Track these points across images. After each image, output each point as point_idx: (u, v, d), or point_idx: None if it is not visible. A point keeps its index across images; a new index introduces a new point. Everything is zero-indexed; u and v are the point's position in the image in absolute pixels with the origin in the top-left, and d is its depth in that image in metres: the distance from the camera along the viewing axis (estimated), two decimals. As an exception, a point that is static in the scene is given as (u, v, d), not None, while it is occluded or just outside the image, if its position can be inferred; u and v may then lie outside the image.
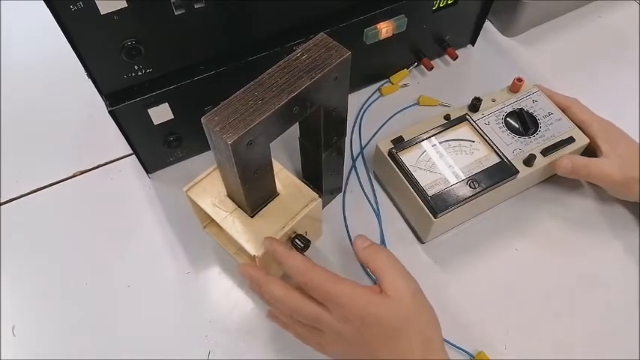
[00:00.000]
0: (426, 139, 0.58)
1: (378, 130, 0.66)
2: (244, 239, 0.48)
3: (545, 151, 0.57)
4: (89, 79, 0.49)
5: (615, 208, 0.60)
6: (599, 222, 0.59)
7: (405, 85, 0.71)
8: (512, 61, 0.74)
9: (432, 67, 0.70)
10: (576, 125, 0.59)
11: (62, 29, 0.43)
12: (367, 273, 0.56)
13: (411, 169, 0.56)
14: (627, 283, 0.55)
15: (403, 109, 0.68)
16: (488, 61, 0.74)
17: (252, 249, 0.47)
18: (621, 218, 0.59)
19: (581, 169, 0.56)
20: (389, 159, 0.57)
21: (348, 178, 0.63)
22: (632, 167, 0.55)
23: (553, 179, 0.62)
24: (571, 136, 0.58)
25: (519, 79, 0.61)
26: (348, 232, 0.59)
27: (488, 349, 0.51)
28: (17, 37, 0.77)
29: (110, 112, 0.52)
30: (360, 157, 0.64)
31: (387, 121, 0.67)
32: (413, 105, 0.69)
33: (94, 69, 0.48)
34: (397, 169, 0.56)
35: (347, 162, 0.63)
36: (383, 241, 0.58)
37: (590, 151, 0.59)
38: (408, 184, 0.55)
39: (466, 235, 0.58)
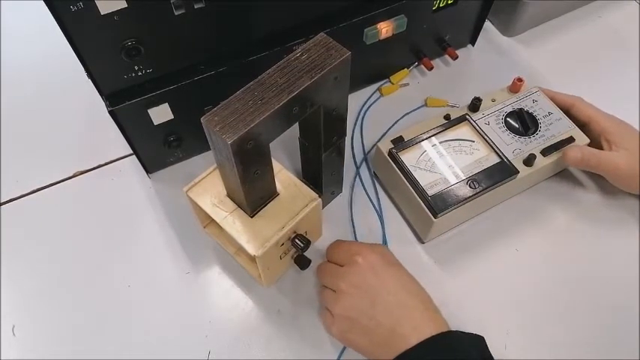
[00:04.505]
0: (426, 139, 0.58)
1: (385, 133, 0.66)
2: (244, 239, 0.48)
3: (545, 151, 0.57)
4: (89, 79, 0.49)
5: (616, 209, 0.60)
6: (601, 223, 0.59)
7: (405, 85, 0.71)
8: (512, 61, 0.74)
9: (432, 67, 0.70)
10: (581, 122, 0.59)
11: (62, 29, 0.43)
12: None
13: (411, 169, 0.56)
14: (627, 282, 0.55)
15: (411, 112, 0.68)
16: (489, 61, 0.74)
17: (252, 249, 0.47)
18: (623, 218, 0.59)
19: (591, 159, 0.56)
20: (389, 159, 0.57)
21: (354, 180, 0.62)
22: (638, 160, 0.55)
23: (553, 179, 0.62)
24: (571, 136, 0.58)
25: (519, 79, 0.61)
26: (354, 230, 0.59)
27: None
28: (17, 37, 0.77)
29: (110, 112, 0.52)
30: (363, 157, 0.64)
31: (394, 124, 0.66)
32: (421, 107, 0.68)
33: (94, 69, 0.48)
34: (397, 169, 0.56)
35: (349, 162, 0.63)
36: (385, 241, 0.58)
37: (593, 147, 0.58)
38: (408, 184, 0.55)
39: (466, 235, 0.58)
